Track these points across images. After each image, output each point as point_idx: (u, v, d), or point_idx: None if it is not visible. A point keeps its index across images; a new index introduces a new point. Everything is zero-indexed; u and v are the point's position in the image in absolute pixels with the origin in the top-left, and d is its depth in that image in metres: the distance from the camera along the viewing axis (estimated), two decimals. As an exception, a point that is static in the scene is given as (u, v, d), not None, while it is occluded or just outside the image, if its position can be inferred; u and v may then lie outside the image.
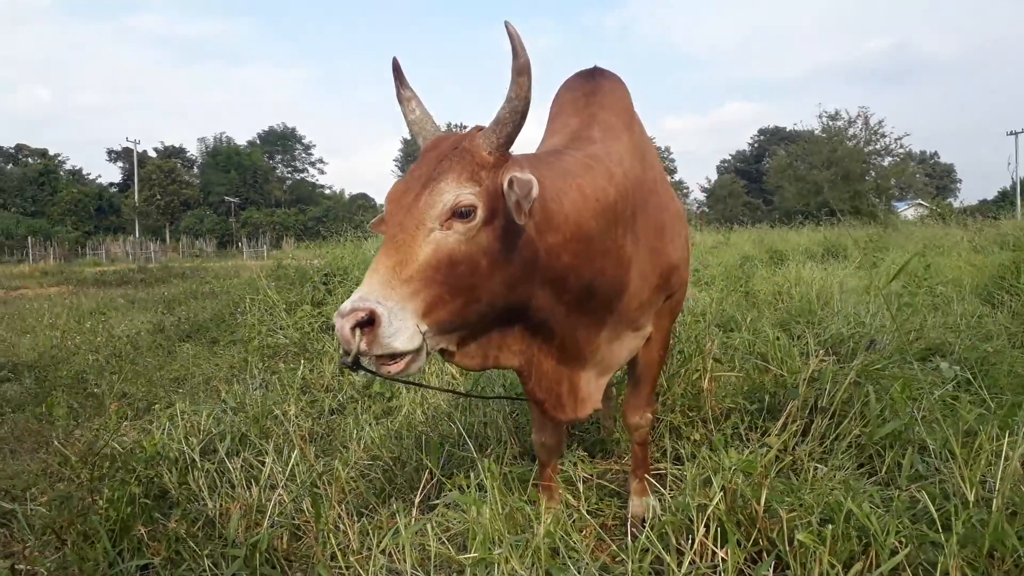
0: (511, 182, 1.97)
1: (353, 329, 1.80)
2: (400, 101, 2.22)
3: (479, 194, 1.96)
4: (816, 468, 2.88)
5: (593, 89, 2.71)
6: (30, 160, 68.24)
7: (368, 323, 1.82)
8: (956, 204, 34.17)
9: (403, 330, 1.87)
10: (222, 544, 2.64)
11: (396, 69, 2.19)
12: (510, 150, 2.08)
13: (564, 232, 2.22)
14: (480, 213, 1.96)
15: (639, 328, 2.69)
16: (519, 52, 1.93)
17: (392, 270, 1.87)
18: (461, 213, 1.93)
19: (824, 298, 6.91)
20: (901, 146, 48.95)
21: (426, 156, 2.05)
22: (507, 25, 1.91)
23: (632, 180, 2.49)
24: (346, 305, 1.83)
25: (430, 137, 2.16)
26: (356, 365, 1.88)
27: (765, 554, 2.32)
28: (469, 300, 2.01)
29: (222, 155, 74.05)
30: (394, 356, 1.89)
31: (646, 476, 2.99)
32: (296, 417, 4.30)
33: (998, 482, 2.30)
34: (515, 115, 1.99)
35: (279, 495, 2.99)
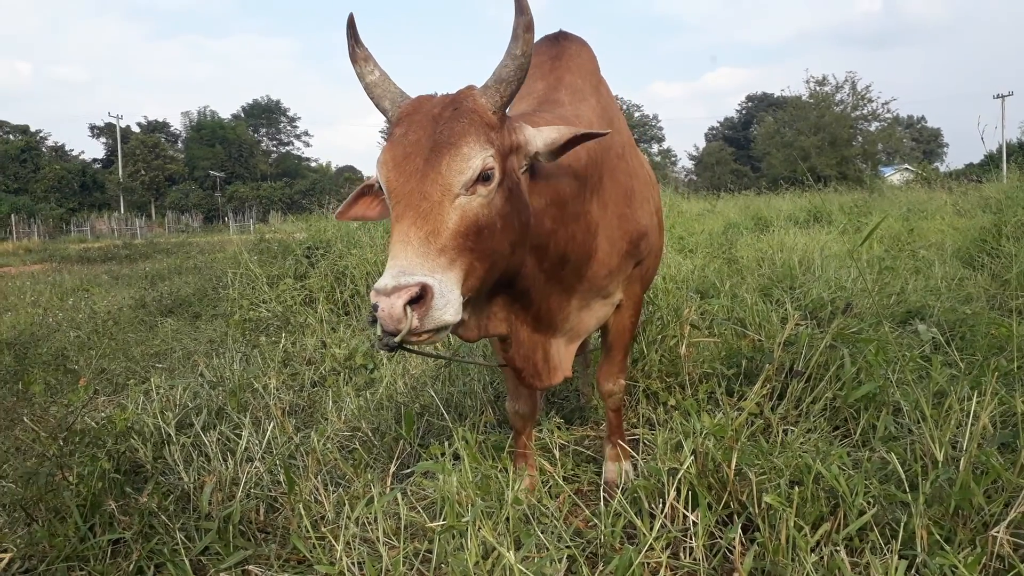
0: (537, 137, 2.00)
1: (405, 306, 1.70)
2: (355, 61, 2.07)
3: (495, 156, 1.92)
4: (788, 431, 2.90)
5: (559, 53, 2.67)
6: (11, 137, 67.20)
7: (418, 298, 1.73)
8: (942, 168, 34.18)
9: (452, 301, 1.80)
10: (196, 517, 2.63)
11: (351, 26, 2.05)
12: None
13: (545, 197, 2.21)
14: (497, 175, 1.92)
15: (608, 295, 2.68)
16: (524, 8, 1.88)
17: (426, 241, 1.78)
18: (484, 176, 1.89)
19: (806, 263, 6.91)
20: (888, 111, 49.05)
21: (416, 119, 1.95)
22: None
23: (601, 145, 2.46)
24: (387, 282, 1.72)
25: (397, 99, 2.05)
26: (399, 345, 1.78)
27: (736, 516, 2.33)
28: (490, 266, 1.98)
29: (206, 129, 73.19)
30: (439, 330, 1.81)
31: (620, 442, 2.99)
32: (277, 390, 4.29)
33: (966, 441, 2.31)
34: (520, 72, 1.94)
35: (255, 467, 2.99)
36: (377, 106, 2.07)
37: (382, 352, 1.85)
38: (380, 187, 1.98)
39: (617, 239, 2.53)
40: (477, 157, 1.87)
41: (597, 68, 2.79)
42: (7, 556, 2.30)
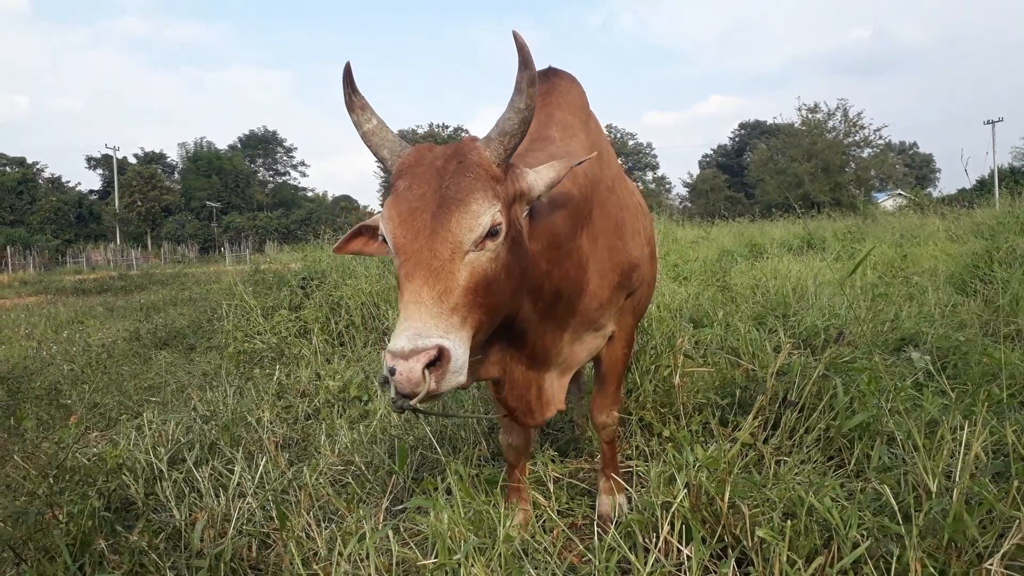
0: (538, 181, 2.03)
1: (424, 369, 1.69)
2: (352, 109, 2.05)
3: (502, 210, 1.92)
4: (781, 462, 2.89)
5: (549, 89, 2.70)
6: (8, 169, 67.41)
7: (435, 361, 1.72)
8: (935, 193, 34.41)
9: (465, 361, 1.80)
10: (187, 555, 2.61)
11: (347, 75, 2.05)
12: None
13: (543, 239, 2.23)
14: (504, 228, 1.92)
15: (600, 328, 2.69)
16: (529, 63, 1.89)
17: (439, 300, 1.77)
18: (492, 231, 1.88)
19: (800, 291, 6.94)
20: (880, 137, 49.53)
21: (419, 172, 1.93)
22: (516, 35, 1.86)
23: (591, 179, 2.49)
24: (402, 344, 1.70)
25: (396, 148, 2.03)
26: (413, 407, 1.76)
27: (730, 550, 2.32)
28: (494, 317, 1.98)
29: (203, 160, 73.51)
30: (451, 390, 1.81)
31: (614, 475, 2.98)
32: (270, 423, 4.27)
33: (958, 472, 2.31)
34: (523, 125, 1.95)
35: (248, 503, 2.97)
36: (375, 155, 2.05)
37: (394, 412, 1.84)
38: (384, 239, 1.95)
39: (608, 271, 2.54)
40: (486, 214, 1.86)
41: (586, 103, 2.82)
42: (-5, 597, 2.28)
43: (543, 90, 2.70)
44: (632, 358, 4.27)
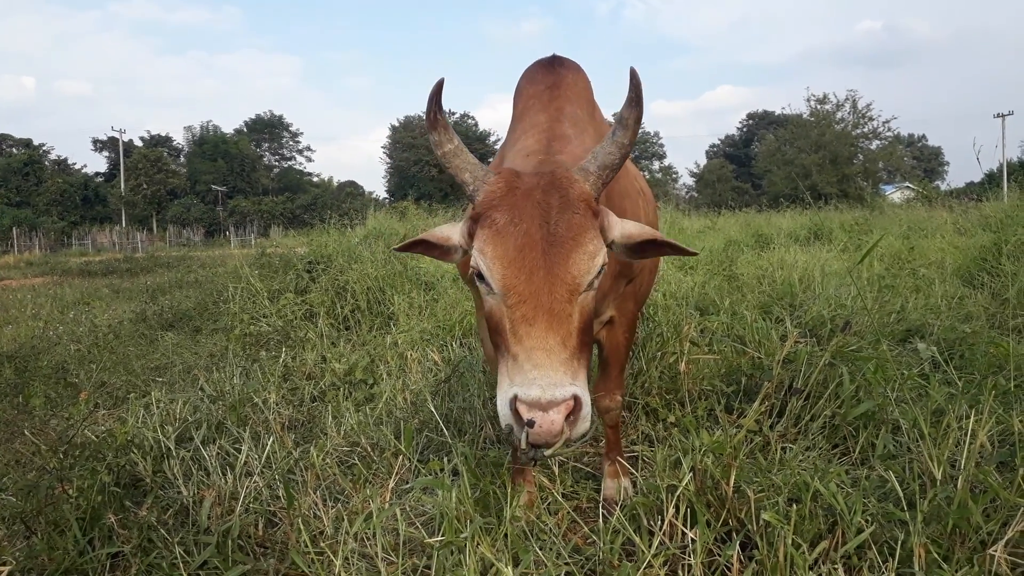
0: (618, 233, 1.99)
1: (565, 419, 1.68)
2: (435, 128, 1.95)
3: (604, 246, 1.90)
4: (786, 449, 2.90)
5: (556, 82, 2.69)
6: (14, 150, 67.52)
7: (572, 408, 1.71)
8: (943, 187, 34.27)
9: (590, 405, 1.80)
10: (195, 531, 2.63)
11: (437, 93, 1.94)
12: None
13: None
14: (606, 267, 1.91)
15: (599, 315, 2.70)
16: (640, 100, 1.84)
17: (563, 346, 1.74)
18: (600, 268, 1.87)
19: (806, 281, 6.93)
20: (889, 129, 49.23)
21: (520, 205, 1.85)
22: (632, 72, 1.81)
23: None
24: (538, 394, 1.67)
25: (478, 173, 1.94)
26: (546, 456, 1.76)
27: (734, 534, 2.33)
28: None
29: (209, 144, 73.45)
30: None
31: (619, 459, 3.00)
32: (276, 405, 4.29)
33: (963, 460, 2.31)
34: (623, 160, 1.91)
35: (254, 482, 2.99)
36: (455, 176, 1.97)
37: (524, 463, 1.81)
38: (481, 274, 1.87)
39: (612, 266, 2.54)
40: (600, 255, 1.84)
41: (591, 92, 2.83)
42: (6, 569, 2.30)
43: (551, 82, 2.69)
44: (638, 345, 4.28)
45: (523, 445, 1.71)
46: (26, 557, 2.36)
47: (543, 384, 1.68)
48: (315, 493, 2.86)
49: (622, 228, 2.02)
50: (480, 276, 1.88)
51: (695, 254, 2.18)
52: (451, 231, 2.05)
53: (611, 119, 3.97)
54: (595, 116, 2.72)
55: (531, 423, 1.66)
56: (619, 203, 2.65)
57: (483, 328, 2.56)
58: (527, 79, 2.81)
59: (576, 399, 1.70)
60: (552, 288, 1.76)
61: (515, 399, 1.71)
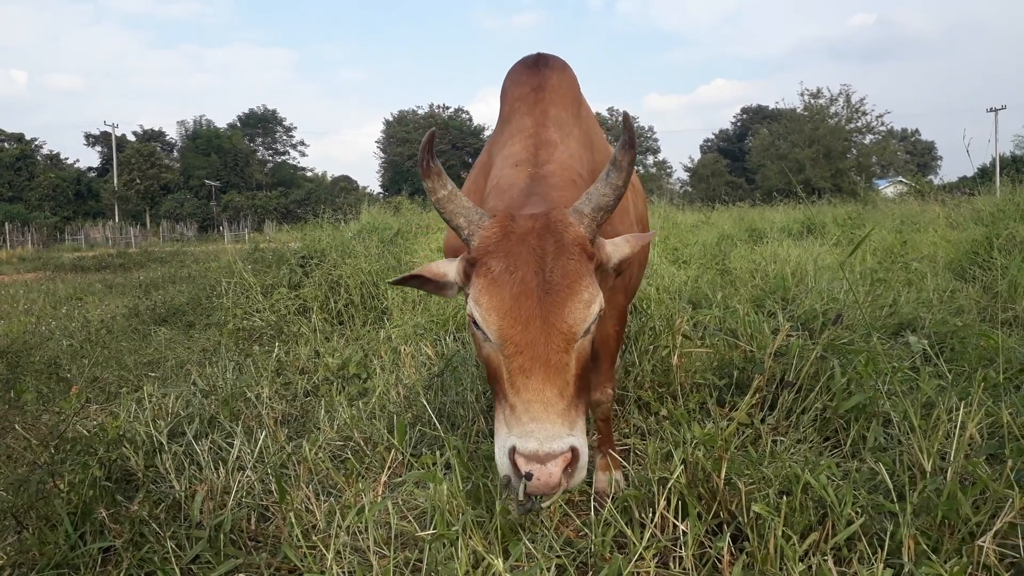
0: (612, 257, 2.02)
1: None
2: (428, 176, 1.95)
3: (600, 290, 1.89)
4: (778, 441, 2.91)
5: (541, 83, 2.68)
6: (6, 145, 67.11)
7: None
8: (936, 181, 34.33)
9: (587, 452, 1.81)
10: (187, 526, 2.63)
11: (429, 143, 1.93)
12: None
13: None
14: (603, 309, 1.91)
15: None
16: (633, 144, 1.84)
17: (560, 396, 1.75)
18: (596, 314, 1.87)
19: (799, 275, 6.95)
20: (883, 124, 49.45)
21: (515, 251, 1.84)
22: (626, 117, 1.81)
23: (587, 172, 2.53)
24: (535, 447, 1.69)
25: (473, 217, 1.93)
26: (543, 506, 1.78)
27: (725, 526, 2.34)
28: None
29: (202, 138, 73.17)
30: None
31: (611, 451, 3.00)
32: (269, 399, 4.28)
33: (953, 452, 2.33)
34: (617, 200, 1.91)
35: (247, 477, 2.99)
36: (449, 222, 1.97)
37: (516, 511, 1.84)
38: (476, 324, 1.87)
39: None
40: (596, 303, 1.84)
41: (578, 91, 2.81)
42: (-3, 564, 2.30)
43: (536, 84, 2.68)
44: (631, 338, 4.29)
45: (520, 496, 1.73)
46: (17, 552, 2.36)
47: (541, 437, 1.70)
48: (307, 487, 2.86)
49: (619, 252, 2.06)
50: (476, 323, 1.88)
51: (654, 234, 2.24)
52: (447, 267, 2.06)
53: (604, 113, 3.98)
54: (580, 114, 2.72)
55: (529, 475, 1.68)
56: None
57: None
58: (512, 80, 2.81)
59: (574, 450, 1.72)
60: (548, 338, 1.77)
61: (513, 450, 1.72)
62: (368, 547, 2.35)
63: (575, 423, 1.77)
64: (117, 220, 59.48)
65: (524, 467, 1.69)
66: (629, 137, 1.78)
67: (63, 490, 2.61)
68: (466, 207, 1.95)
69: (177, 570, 2.32)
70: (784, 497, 2.22)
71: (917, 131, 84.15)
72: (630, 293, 3.04)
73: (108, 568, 2.40)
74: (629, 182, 1.89)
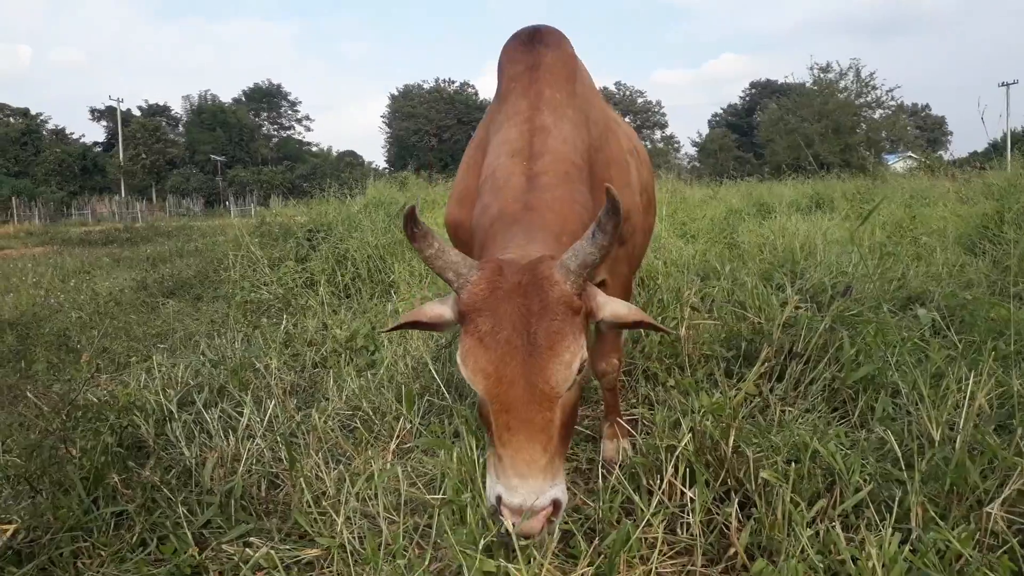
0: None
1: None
2: (414, 240, 1.99)
3: (585, 343, 1.93)
4: (786, 411, 2.91)
5: (535, 63, 2.65)
6: (11, 120, 67.10)
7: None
8: (946, 157, 34.06)
9: (567, 494, 1.94)
10: (198, 492, 2.66)
11: (411, 215, 1.94)
12: None
13: None
14: (586, 362, 1.96)
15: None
16: (618, 211, 1.84)
17: (544, 451, 1.84)
18: (579, 369, 1.92)
19: (808, 249, 6.92)
20: (892, 98, 48.99)
21: (500, 309, 1.89)
22: (608, 190, 1.81)
23: (582, 151, 2.51)
24: (519, 502, 1.81)
25: (461, 271, 1.98)
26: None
27: (733, 493, 2.35)
28: None
29: (207, 113, 72.97)
30: None
31: (618, 420, 3.01)
32: (278, 370, 4.30)
33: (962, 421, 2.32)
34: (603, 259, 1.93)
35: (256, 445, 3.01)
36: (440, 276, 2.02)
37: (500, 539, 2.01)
38: (469, 384, 1.94)
39: None
40: (578, 360, 1.88)
41: (573, 67, 2.76)
42: (12, 527, 2.33)
43: (531, 63, 2.65)
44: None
45: (503, 530, 1.88)
46: (31, 516, 2.39)
47: (524, 493, 1.81)
48: (317, 455, 2.88)
49: (612, 310, 2.07)
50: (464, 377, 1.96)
51: (671, 333, 2.27)
52: (442, 309, 2.08)
53: (611, 88, 3.94)
54: (575, 92, 2.67)
55: (514, 525, 1.82)
56: (604, 173, 2.64)
57: None
58: (507, 57, 2.78)
59: (555, 502, 1.85)
60: (532, 398, 1.83)
61: (499, 499, 1.86)
62: (378, 512, 2.36)
63: (557, 472, 1.89)
64: (123, 195, 59.54)
65: (508, 519, 1.83)
66: (612, 206, 1.81)
67: (75, 456, 2.64)
68: (454, 261, 1.99)
69: (189, 534, 2.34)
70: (792, 464, 2.23)
71: (927, 106, 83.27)
72: (634, 264, 3.03)
73: (121, 532, 2.43)
74: (613, 243, 1.91)
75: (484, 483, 1.99)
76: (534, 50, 2.71)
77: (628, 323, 2.11)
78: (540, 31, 2.81)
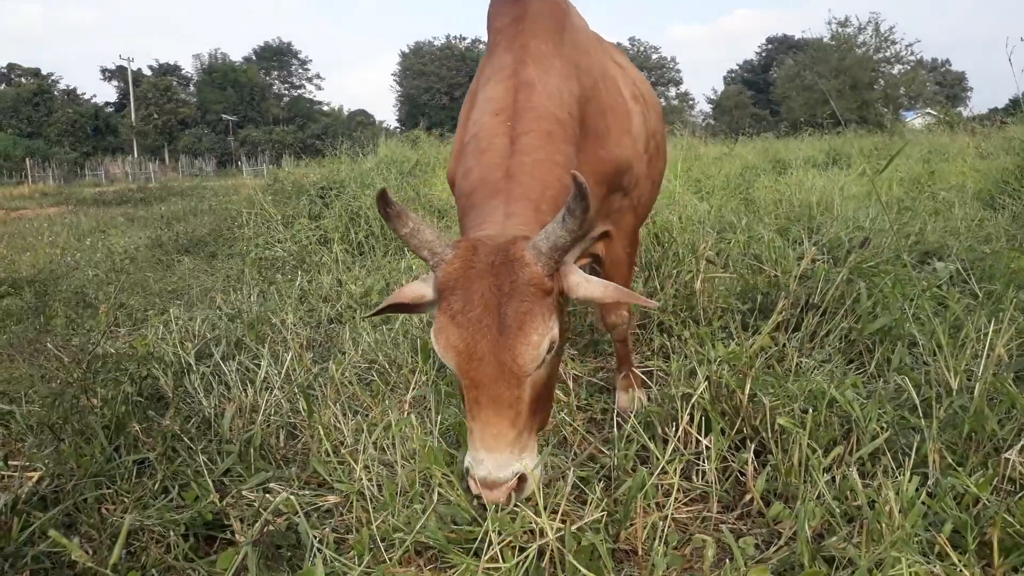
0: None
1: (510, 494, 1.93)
2: (389, 219, 2.00)
3: (556, 323, 1.95)
4: (802, 361, 2.90)
5: (521, 14, 2.59)
6: (23, 80, 66.97)
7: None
8: (966, 113, 33.46)
9: (539, 464, 2.01)
10: (217, 441, 2.69)
11: (383, 197, 1.94)
12: None
13: None
14: (557, 342, 1.98)
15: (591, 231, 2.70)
16: (586, 196, 1.82)
17: (511, 425, 1.90)
18: (548, 348, 1.94)
19: (825, 204, 6.84)
20: (912, 53, 47.93)
21: (472, 288, 1.90)
22: (575, 176, 1.80)
23: (574, 104, 2.48)
24: (484, 474, 1.89)
25: (436, 249, 1.98)
26: None
27: (748, 441, 2.36)
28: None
29: (218, 72, 72.51)
30: None
31: (632, 370, 3.02)
32: (294, 325, 4.33)
33: (981, 369, 2.31)
34: (573, 241, 1.92)
35: (274, 396, 3.04)
36: (416, 254, 2.04)
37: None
38: (441, 362, 2.01)
39: (593, 185, 2.49)
40: (547, 340, 1.90)
41: (561, 15, 2.69)
42: (37, 474, 2.37)
43: (517, 14, 2.59)
44: (653, 264, 4.27)
45: (474, 492, 1.97)
46: (55, 463, 2.43)
47: (490, 466, 1.90)
48: (335, 405, 2.91)
49: (586, 291, 2.06)
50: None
51: (656, 307, 2.29)
52: (423, 289, 2.08)
53: (625, 43, 3.86)
54: (563, 41, 2.61)
55: (479, 495, 1.93)
56: (598, 123, 2.61)
57: None
58: (495, 9, 2.73)
59: (520, 477, 1.93)
60: (499, 376, 1.88)
61: (467, 470, 1.95)
62: (396, 461, 2.39)
63: (525, 447, 1.96)
64: (136, 155, 59.54)
65: (475, 489, 1.93)
66: (580, 192, 1.80)
67: (97, 405, 2.67)
68: (429, 240, 2.00)
69: (210, 482, 2.38)
70: (809, 411, 2.23)
71: (947, 61, 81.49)
72: (641, 214, 3.01)
73: (143, 480, 2.47)
74: (583, 226, 1.92)
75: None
76: (522, 1, 2.66)
77: (607, 302, 2.14)
78: None
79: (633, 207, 2.87)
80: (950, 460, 2.09)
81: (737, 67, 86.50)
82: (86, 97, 72.08)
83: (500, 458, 1.89)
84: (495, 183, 2.24)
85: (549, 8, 2.68)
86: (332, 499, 2.37)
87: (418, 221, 2.02)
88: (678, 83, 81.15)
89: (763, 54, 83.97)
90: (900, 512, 1.76)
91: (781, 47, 78.25)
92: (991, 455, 2.13)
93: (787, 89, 53.29)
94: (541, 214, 2.15)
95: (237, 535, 2.15)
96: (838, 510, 1.95)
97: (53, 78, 69.54)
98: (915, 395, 2.27)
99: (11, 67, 70.14)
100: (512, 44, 2.55)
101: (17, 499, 2.17)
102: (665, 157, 3.66)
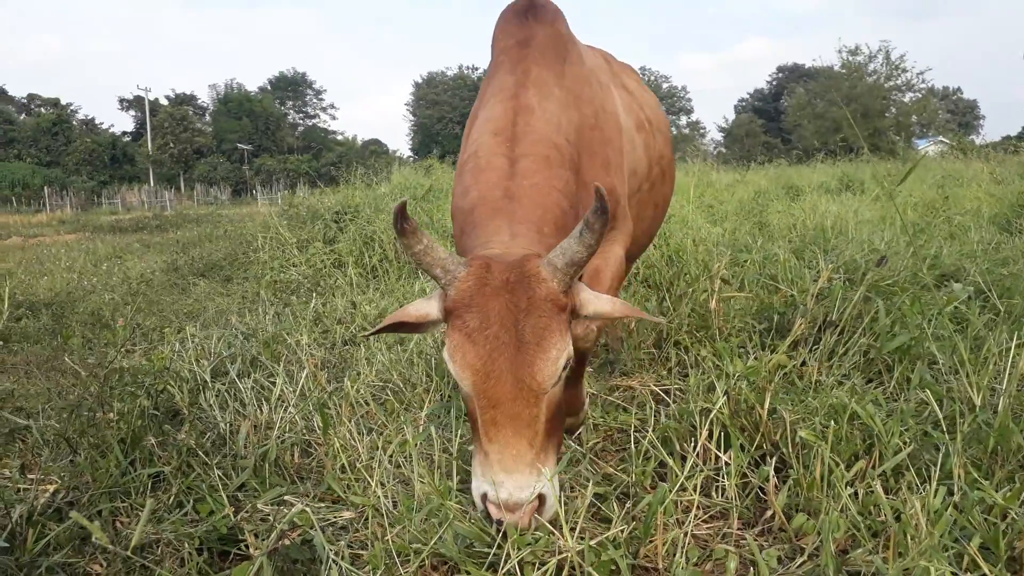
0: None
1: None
2: (403, 235, 1.98)
3: (570, 339, 1.95)
4: (821, 379, 2.87)
5: (526, 38, 2.62)
6: (43, 110, 68.14)
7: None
8: (978, 141, 33.41)
9: (558, 489, 1.95)
10: (232, 457, 2.68)
11: (402, 210, 1.95)
12: None
13: None
14: (572, 359, 1.97)
15: None
16: (606, 210, 1.84)
17: (530, 447, 1.87)
18: (564, 365, 1.93)
19: (839, 227, 6.83)
20: (923, 81, 48.08)
21: (489, 307, 1.90)
22: (597, 188, 1.82)
23: (572, 132, 2.49)
24: (505, 497, 1.83)
25: (449, 267, 1.98)
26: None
27: (768, 457, 2.33)
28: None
29: (233, 102, 73.49)
30: None
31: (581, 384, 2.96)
32: (308, 346, 4.33)
33: (1005, 383, 2.28)
34: (589, 256, 1.93)
35: (289, 413, 3.03)
36: (428, 272, 2.02)
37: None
38: (454, 380, 1.96)
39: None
40: (563, 356, 1.90)
41: (564, 45, 2.71)
42: (52, 487, 2.37)
43: (522, 37, 2.62)
44: (665, 283, 4.25)
45: (494, 520, 1.88)
46: (71, 476, 2.42)
47: (510, 488, 1.84)
48: (350, 422, 2.90)
49: (592, 305, 2.05)
50: (450, 372, 1.97)
51: (661, 321, 2.29)
52: (428, 307, 2.08)
53: (625, 59, 3.90)
54: (564, 72, 2.63)
55: (500, 522, 1.85)
56: (601, 153, 2.63)
57: None
58: (501, 29, 2.75)
59: (542, 497, 1.87)
60: (518, 394, 1.85)
61: (485, 496, 1.87)
62: (413, 474, 2.37)
63: (545, 464, 1.90)
64: (152, 184, 60.21)
65: (495, 514, 1.84)
66: (600, 206, 1.81)
67: (113, 419, 2.67)
68: (442, 258, 1.99)
69: (224, 496, 2.36)
70: (831, 423, 2.20)
71: (959, 89, 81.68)
72: (642, 243, 2.98)
73: (158, 493, 2.46)
74: (600, 242, 1.91)
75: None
76: (526, 25, 2.68)
77: (615, 318, 2.12)
78: (536, 5, 2.76)
79: (621, 238, 2.84)
80: (975, 475, 2.05)
81: (748, 95, 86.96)
82: (104, 126, 73.26)
83: (520, 479, 1.84)
84: (495, 202, 2.24)
85: (555, 35, 2.71)
86: (347, 514, 2.36)
87: (431, 239, 2.01)
88: (688, 112, 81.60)
89: (774, 82, 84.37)
90: (927, 522, 1.73)
91: (792, 75, 78.59)
92: (1016, 471, 2.10)
93: (798, 117, 53.48)
94: (544, 236, 2.15)
95: (251, 549, 2.13)
96: (863, 524, 1.92)
97: (72, 108, 70.77)
98: (937, 409, 2.24)
99: (31, 97, 71.47)
100: (515, 68, 2.58)
101: (33, 510, 2.17)
102: (672, 182, 3.66)
